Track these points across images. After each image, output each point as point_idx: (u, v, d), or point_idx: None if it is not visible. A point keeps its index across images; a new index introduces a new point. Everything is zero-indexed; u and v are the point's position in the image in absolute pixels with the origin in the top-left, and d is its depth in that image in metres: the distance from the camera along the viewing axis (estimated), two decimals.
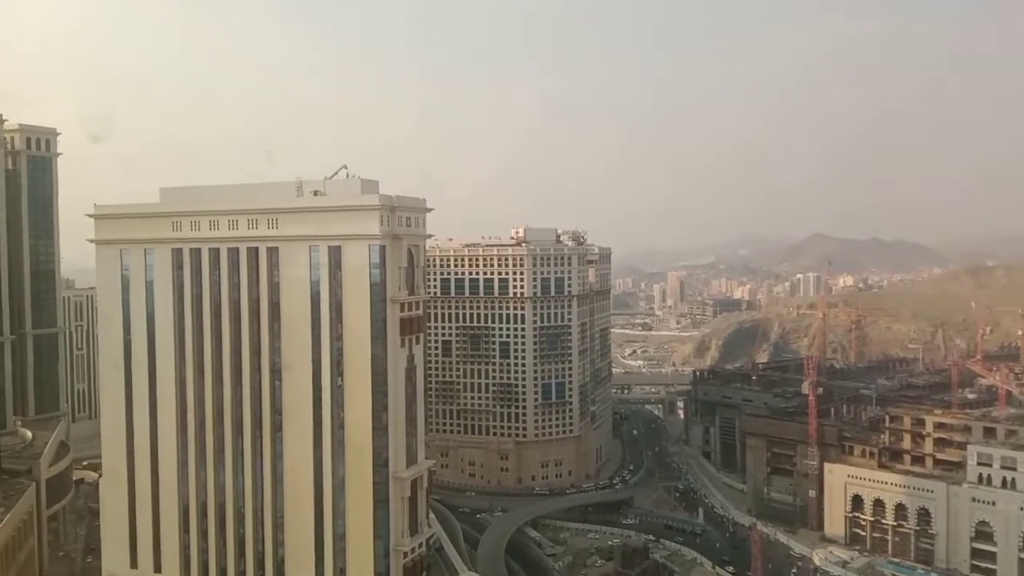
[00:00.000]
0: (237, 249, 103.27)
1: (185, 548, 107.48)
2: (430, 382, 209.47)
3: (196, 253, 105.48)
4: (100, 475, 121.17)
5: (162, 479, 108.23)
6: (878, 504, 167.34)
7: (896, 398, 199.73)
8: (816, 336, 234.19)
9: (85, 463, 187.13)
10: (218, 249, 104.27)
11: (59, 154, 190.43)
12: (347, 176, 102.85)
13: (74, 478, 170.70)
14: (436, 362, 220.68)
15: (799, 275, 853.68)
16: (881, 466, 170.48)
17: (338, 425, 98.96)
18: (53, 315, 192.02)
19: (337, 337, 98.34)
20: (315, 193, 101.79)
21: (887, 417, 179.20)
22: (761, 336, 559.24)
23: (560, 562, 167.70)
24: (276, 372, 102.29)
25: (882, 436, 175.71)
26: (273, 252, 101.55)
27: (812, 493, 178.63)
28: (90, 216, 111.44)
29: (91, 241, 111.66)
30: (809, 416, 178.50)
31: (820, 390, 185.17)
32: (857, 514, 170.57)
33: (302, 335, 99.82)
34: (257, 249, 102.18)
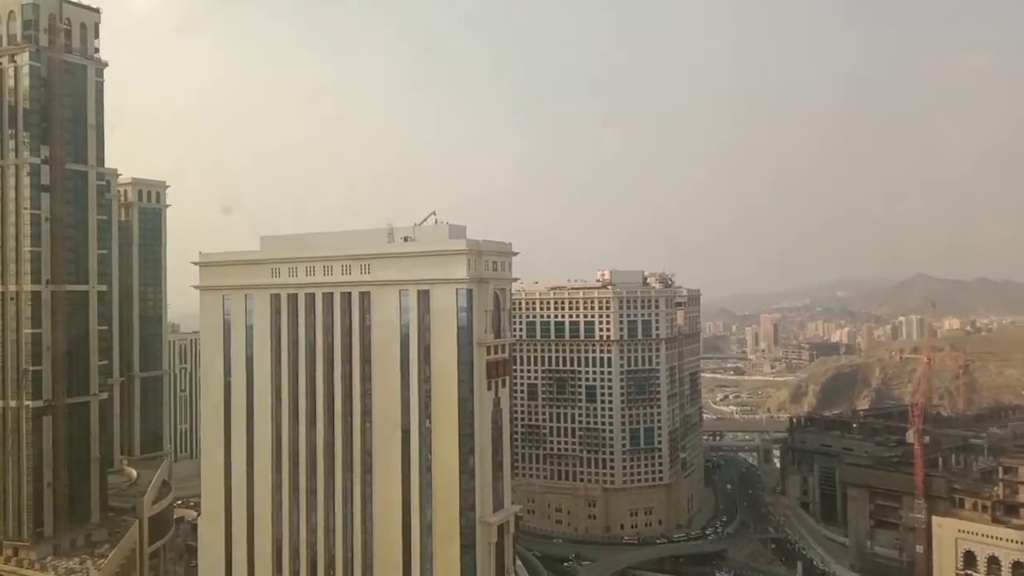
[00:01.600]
0: (332, 294, 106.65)
1: None
2: (516, 426, 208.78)
3: (293, 298, 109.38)
4: (199, 514, 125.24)
5: (257, 519, 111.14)
6: (992, 561, 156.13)
7: (1010, 447, 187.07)
8: (921, 382, 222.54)
9: (184, 502, 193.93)
10: (314, 294, 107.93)
11: (168, 205, 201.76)
12: (436, 222, 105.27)
13: (175, 516, 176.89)
14: (522, 406, 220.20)
15: (901, 318, 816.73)
16: (995, 520, 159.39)
17: (426, 468, 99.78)
18: (159, 358, 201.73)
19: (425, 379, 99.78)
20: (405, 239, 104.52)
21: (1000, 468, 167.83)
22: (861, 382, 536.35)
23: None
24: (367, 414, 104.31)
25: (996, 488, 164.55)
26: (365, 296, 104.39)
27: (920, 548, 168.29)
28: (195, 264, 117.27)
29: (195, 287, 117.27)
30: (915, 466, 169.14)
31: (926, 439, 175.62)
32: (970, 572, 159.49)
33: (391, 377, 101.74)
34: (350, 294, 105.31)
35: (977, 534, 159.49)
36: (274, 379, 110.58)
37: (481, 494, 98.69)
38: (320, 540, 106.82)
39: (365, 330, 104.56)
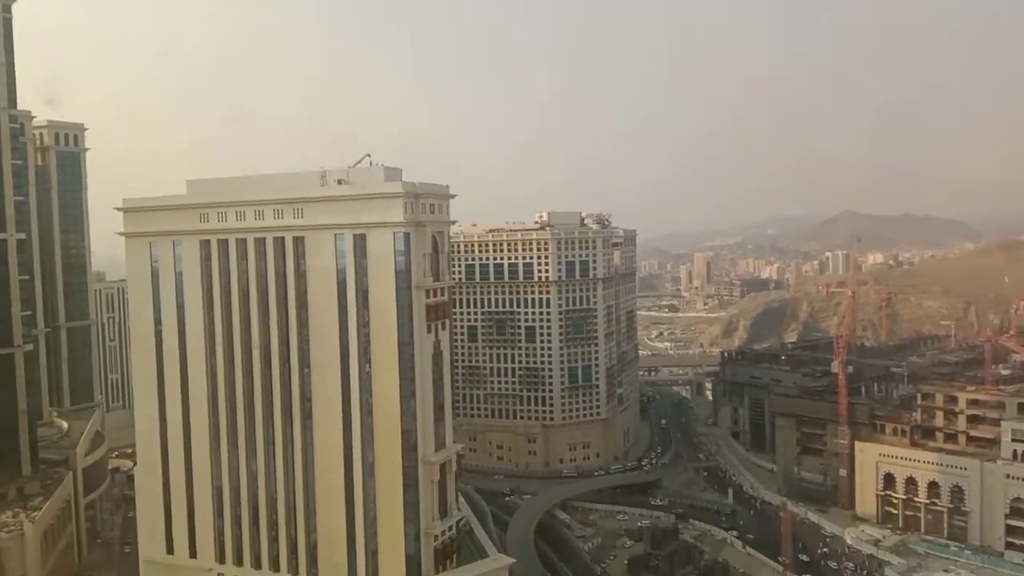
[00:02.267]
0: (264, 239, 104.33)
1: (219, 534, 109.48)
2: (457, 367, 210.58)
3: (223, 244, 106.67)
4: (135, 464, 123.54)
5: (195, 467, 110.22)
6: (910, 482, 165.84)
7: (928, 375, 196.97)
8: (846, 314, 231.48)
9: (120, 452, 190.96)
10: (245, 240, 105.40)
11: (87, 149, 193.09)
12: (370, 165, 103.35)
13: (110, 467, 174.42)
14: (462, 348, 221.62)
15: (828, 253, 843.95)
16: (913, 444, 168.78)
17: (367, 411, 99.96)
18: (85, 308, 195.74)
19: (364, 324, 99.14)
20: (339, 182, 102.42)
21: (919, 395, 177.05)
22: (790, 316, 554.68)
23: (589, 544, 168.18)
24: (305, 360, 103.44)
25: (914, 414, 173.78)
26: (299, 241, 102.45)
27: (843, 472, 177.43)
28: (119, 209, 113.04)
29: (120, 234, 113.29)
30: (839, 395, 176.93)
31: (850, 369, 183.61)
32: (889, 492, 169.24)
33: (329, 323, 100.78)
34: (283, 239, 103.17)
35: (896, 457, 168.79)
36: (207, 327, 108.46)
37: (423, 435, 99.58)
38: (261, 485, 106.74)
39: (300, 276, 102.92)
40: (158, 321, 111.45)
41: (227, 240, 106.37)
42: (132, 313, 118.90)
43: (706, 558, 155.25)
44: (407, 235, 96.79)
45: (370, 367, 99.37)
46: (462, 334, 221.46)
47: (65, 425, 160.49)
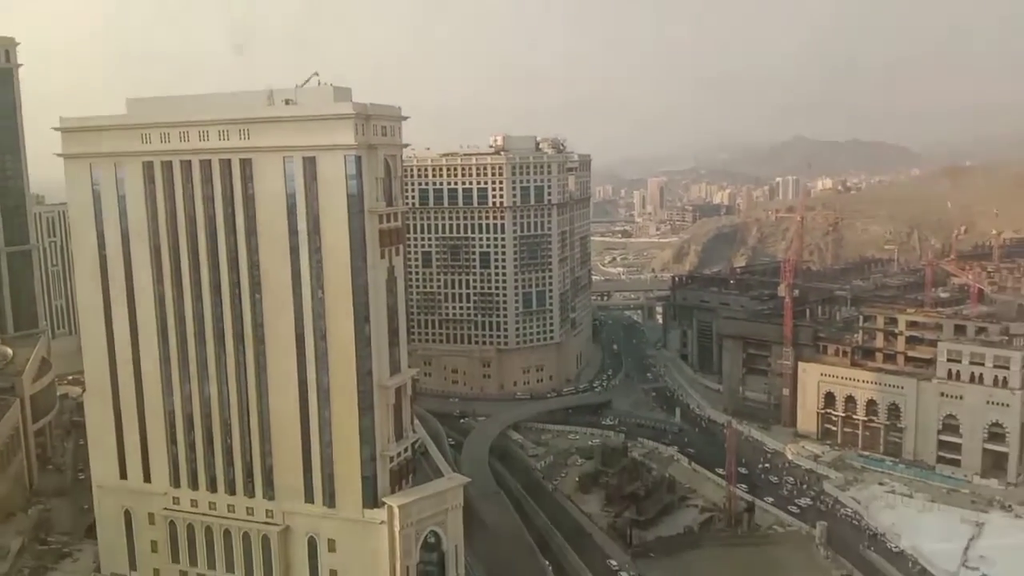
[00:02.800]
0: (209, 161, 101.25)
1: (174, 459, 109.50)
2: (411, 293, 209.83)
3: (167, 166, 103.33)
4: (84, 390, 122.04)
5: (146, 392, 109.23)
6: (849, 400, 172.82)
7: (870, 298, 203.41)
8: (793, 239, 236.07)
9: (68, 379, 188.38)
10: (189, 162, 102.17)
11: (20, 65, 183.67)
12: (319, 84, 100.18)
13: (58, 393, 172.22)
14: (417, 274, 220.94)
15: (778, 178, 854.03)
16: (854, 364, 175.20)
17: (320, 337, 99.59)
18: (25, 231, 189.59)
19: (316, 250, 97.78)
20: (287, 102, 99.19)
21: (861, 317, 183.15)
22: (739, 241, 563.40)
23: (542, 462, 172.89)
24: (256, 286, 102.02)
25: (855, 335, 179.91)
26: (246, 164, 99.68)
27: (786, 391, 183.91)
28: (56, 130, 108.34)
29: (59, 156, 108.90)
30: (784, 317, 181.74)
31: (796, 292, 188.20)
32: (829, 410, 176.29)
33: (280, 249, 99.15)
34: (230, 161, 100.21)
35: (837, 377, 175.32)
36: (153, 252, 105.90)
37: (377, 360, 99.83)
38: (215, 410, 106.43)
39: (249, 200, 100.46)
40: (102, 246, 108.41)
41: (171, 162, 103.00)
42: (74, 238, 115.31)
43: (654, 474, 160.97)
44: (358, 158, 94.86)
45: (323, 293, 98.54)
46: (416, 260, 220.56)
47: (10, 352, 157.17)
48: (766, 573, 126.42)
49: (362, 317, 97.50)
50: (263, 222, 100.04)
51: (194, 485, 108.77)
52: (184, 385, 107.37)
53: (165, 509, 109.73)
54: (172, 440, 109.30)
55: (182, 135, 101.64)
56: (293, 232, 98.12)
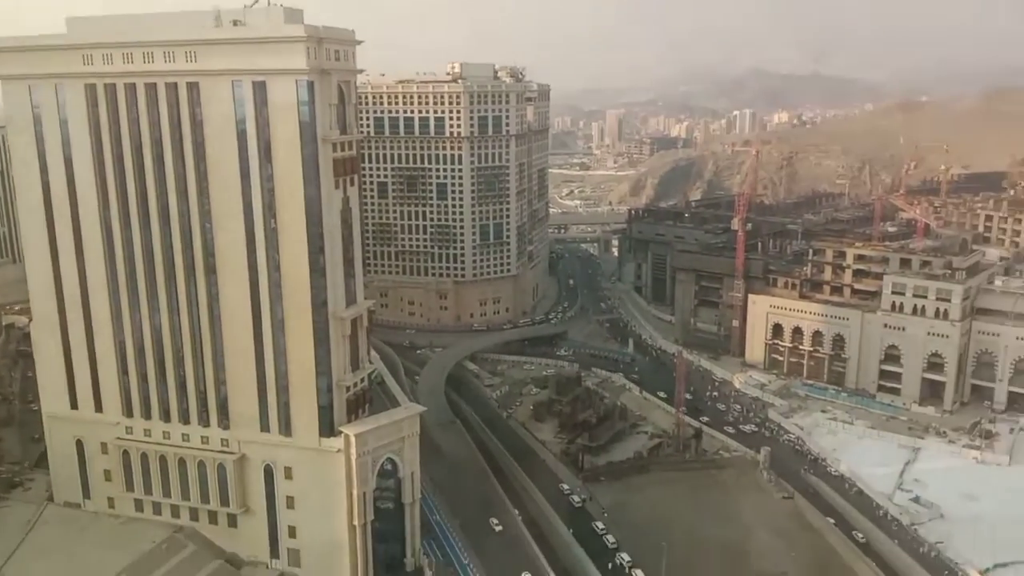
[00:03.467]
0: (155, 85, 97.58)
1: (126, 390, 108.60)
2: (367, 224, 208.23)
3: (111, 89, 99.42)
4: (30, 320, 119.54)
5: (95, 322, 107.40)
6: (796, 332, 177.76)
7: (820, 232, 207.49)
8: (748, 173, 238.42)
9: (12, 308, 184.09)
10: (134, 84, 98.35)
11: None
12: (269, 5, 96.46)
13: (4, 323, 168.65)
14: (372, 204, 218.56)
15: (736, 112, 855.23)
16: (802, 296, 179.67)
17: (274, 268, 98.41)
18: None
19: (268, 179, 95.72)
20: (235, 23, 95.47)
21: (810, 250, 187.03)
22: (695, 174, 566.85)
23: (497, 392, 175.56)
24: (206, 215, 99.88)
25: (805, 268, 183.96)
26: (193, 88, 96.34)
27: (736, 323, 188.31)
28: None
29: None
30: (737, 251, 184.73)
31: (749, 226, 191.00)
32: (776, 341, 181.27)
33: (230, 177, 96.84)
34: (176, 85, 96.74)
35: (786, 309, 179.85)
36: (99, 179, 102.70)
37: (332, 291, 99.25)
38: (167, 340, 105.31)
39: (197, 126, 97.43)
40: (44, 171, 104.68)
41: (115, 85, 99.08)
42: (15, 163, 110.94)
43: (606, 402, 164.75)
44: (311, 84, 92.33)
45: (275, 223, 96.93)
46: (372, 190, 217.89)
47: None
48: (711, 496, 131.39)
49: (316, 248, 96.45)
50: (212, 149, 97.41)
51: (147, 415, 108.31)
52: (134, 315, 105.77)
53: (118, 439, 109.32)
54: (123, 371, 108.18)
55: (125, 56, 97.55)
56: (244, 160, 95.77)
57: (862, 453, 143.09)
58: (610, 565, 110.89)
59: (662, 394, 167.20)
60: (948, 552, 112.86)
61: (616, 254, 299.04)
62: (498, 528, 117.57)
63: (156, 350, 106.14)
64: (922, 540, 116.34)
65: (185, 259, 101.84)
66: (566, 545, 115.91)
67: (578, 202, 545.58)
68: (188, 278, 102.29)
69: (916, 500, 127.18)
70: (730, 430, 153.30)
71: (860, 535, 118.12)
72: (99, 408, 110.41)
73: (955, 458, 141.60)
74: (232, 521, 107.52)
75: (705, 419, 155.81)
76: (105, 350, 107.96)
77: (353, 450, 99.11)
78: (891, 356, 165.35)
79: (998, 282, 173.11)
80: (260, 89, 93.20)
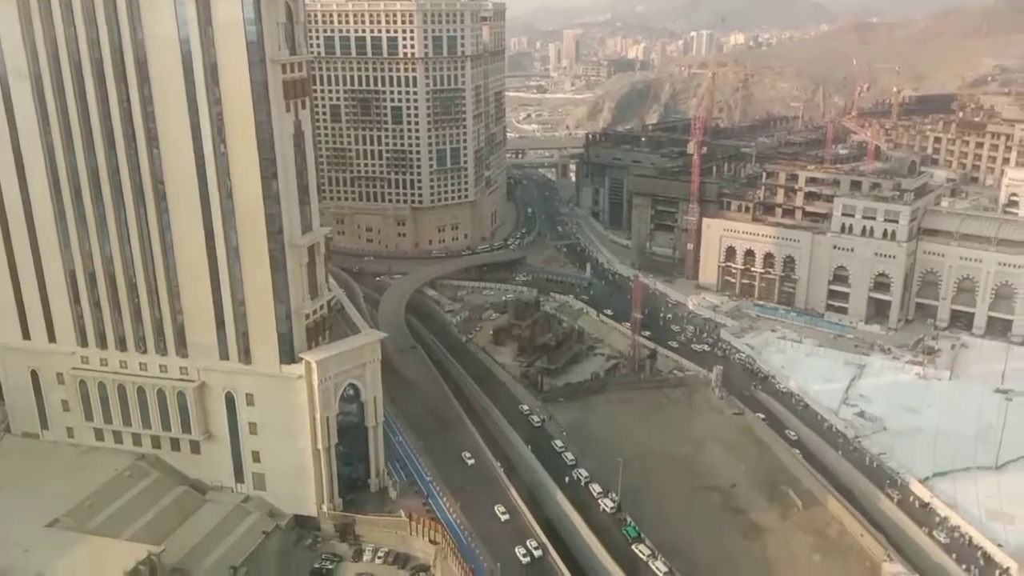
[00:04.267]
0: (91, 1, 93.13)
1: (79, 318, 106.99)
2: (320, 149, 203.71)
3: (45, 5, 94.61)
4: None
5: (43, 251, 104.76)
6: (749, 254, 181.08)
7: (774, 155, 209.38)
8: (704, 96, 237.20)
9: None
10: (70, 1, 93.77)
11: None
12: None
13: None
14: (325, 128, 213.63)
15: (693, 33, 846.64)
16: (755, 219, 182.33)
17: (226, 195, 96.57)
18: None
19: (216, 102, 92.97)
20: None
21: (764, 173, 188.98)
22: (652, 97, 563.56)
23: (457, 317, 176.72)
24: (152, 139, 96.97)
25: (757, 192, 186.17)
26: (132, 5, 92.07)
27: (690, 246, 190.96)
28: None
29: None
30: (692, 175, 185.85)
31: (704, 150, 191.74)
32: (729, 264, 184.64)
33: (176, 100, 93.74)
34: (115, 1, 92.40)
35: (739, 232, 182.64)
36: (38, 101, 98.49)
37: (288, 218, 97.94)
38: (119, 268, 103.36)
39: (138, 45, 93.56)
40: None
41: (49, 0, 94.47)
42: None
43: (564, 326, 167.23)
44: (256, 1, 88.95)
45: (225, 148, 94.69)
46: (324, 114, 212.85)
47: None
48: (665, 413, 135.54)
49: (269, 174, 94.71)
50: (156, 70, 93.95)
51: (102, 344, 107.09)
52: (83, 243, 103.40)
53: (74, 369, 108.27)
54: (75, 299, 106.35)
55: None
56: (189, 82, 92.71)
57: (810, 370, 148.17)
58: (567, 479, 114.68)
59: (608, 311, 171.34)
60: (890, 463, 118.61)
61: (574, 179, 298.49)
62: (467, 457, 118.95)
63: (108, 279, 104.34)
64: (866, 452, 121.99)
65: (133, 185, 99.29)
66: (525, 462, 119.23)
67: (536, 126, 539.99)
68: (137, 205, 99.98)
69: (861, 414, 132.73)
70: (684, 350, 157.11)
71: (797, 438, 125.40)
72: (52, 338, 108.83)
73: (898, 374, 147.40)
74: (195, 448, 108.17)
75: (660, 340, 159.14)
76: (55, 279, 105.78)
77: (315, 376, 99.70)
78: (840, 277, 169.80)
79: (944, 203, 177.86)
80: (203, 6, 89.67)
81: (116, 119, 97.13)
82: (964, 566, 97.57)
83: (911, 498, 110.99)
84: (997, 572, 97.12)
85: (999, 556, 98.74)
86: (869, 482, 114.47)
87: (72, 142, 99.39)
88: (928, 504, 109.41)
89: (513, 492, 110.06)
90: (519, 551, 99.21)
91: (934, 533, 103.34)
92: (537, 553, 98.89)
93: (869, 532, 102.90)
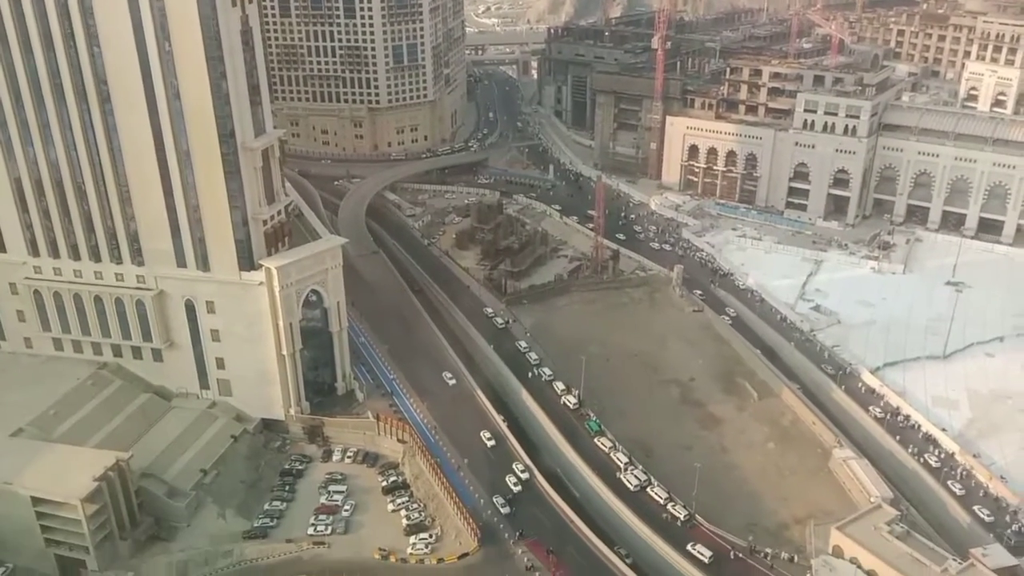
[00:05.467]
0: None
1: (28, 227, 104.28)
2: (271, 47, 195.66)
3: None
4: None
5: None
6: (711, 152, 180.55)
7: (738, 50, 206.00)
8: None
9: None
10: None
11: None
12: None
13: None
14: (274, 24, 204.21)
15: None
16: (718, 117, 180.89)
17: (173, 95, 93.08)
18: None
19: None
20: None
21: (727, 69, 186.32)
22: None
23: (419, 222, 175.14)
24: (92, 36, 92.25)
25: (721, 88, 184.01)
26: None
27: (653, 145, 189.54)
28: None
29: None
30: (656, 71, 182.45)
31: (669, 45, 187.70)
32: (692, 163, 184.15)
33: None
34: None
35: (701, 129, 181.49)
36: None
37: (239, 120, 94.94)
38: (66, 175, 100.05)
39: None
40: None
41: None
42: None
43: (527, 228, 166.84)
44: None
45: (170, 45, 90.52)
46: (272, 8, 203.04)
47: None
48: (627, 312, 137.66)
49: (218, 73, 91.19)
50: None
51: (54, 253, 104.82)
52: (27, 148, 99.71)
53: (27, 279, 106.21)
54: (23, 208, 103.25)
55: None
56: None
57: (768, 267, 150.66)
58: (529, 375, 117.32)
59: (588, 224, 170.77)
60: (843, 354, 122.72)
61: (536, 77, 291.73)
62: (432, 360, 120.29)
63: (55, 185, 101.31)
64: (820, 344, 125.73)
65: (75, 86, 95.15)
66: (489, 361, 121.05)
67: (495, 20, 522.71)
68: (80, 107, 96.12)
69: (816, 308, 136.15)
70: (646, 250, 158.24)
71: (753, 333, 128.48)
72: (2, 248, 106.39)
73: (854, 268, 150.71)
74: (157, 356, 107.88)
75: (622, 241, 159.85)
76: (1, 187, 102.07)
77: (276, 283, 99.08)
78: (800, 174, 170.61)
79: (905, 98, 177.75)
80: None
81: (53, 17, 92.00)
82: (910, 449, 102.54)
83: (862, 387, 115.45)
84: (940, 453, 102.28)
85: (944, 440, 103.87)
86: (822, 373, 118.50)
87: (6, 39, 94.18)
88: (877, 392, 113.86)
89: (479, 393, 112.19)
90: (483, 434, 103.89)
91: (881, 418, 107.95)
92: (491, 444, 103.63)
93: (821, 420, 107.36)
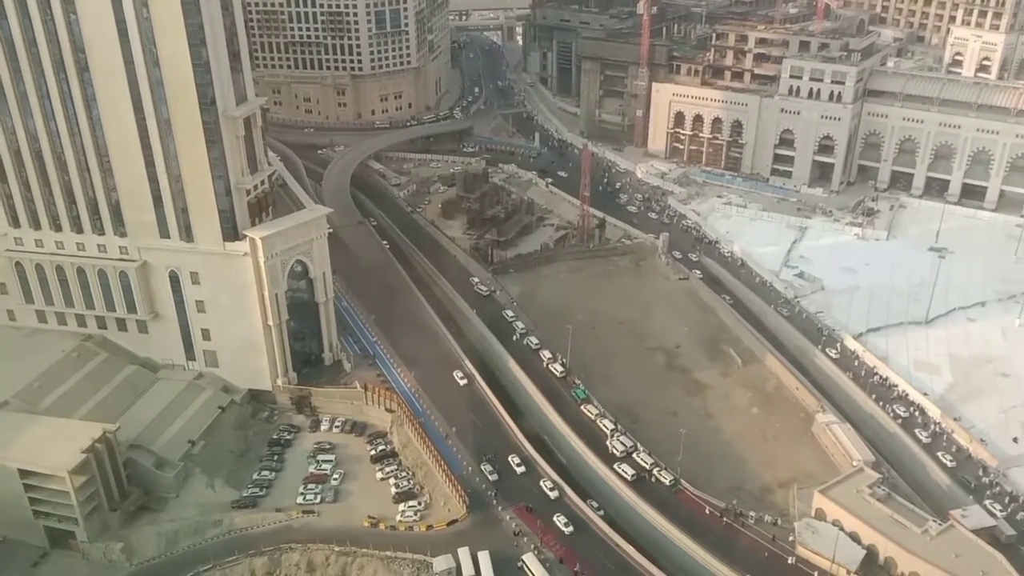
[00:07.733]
0: None
1: (8, 198, 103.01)
2: (250, 13, 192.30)
3: None
4: None
5: None
6: (697, 119, 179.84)
7: (724, 15, 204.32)
8: None
9: None
10: None
11: None
12: None
13: None
14: None
15: None
16: (704, 83, 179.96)
17: (152, 63, 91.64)
18: None
19: None
20: None
21: (714, 34, 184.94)
22: None
23: (405, 191, 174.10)
24: (69, 4, 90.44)
25: (707, 54, 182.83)
26: None
27: (639, 113, 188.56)
28: None
29: None
30: (642, 37, 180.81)
31: (655, 10, 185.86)
32: (678, 130, 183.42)
33: None
34: None
35: (688, 96, 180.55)
36: None
37: (220, 88, 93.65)
38: (45, 146, 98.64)
39: None
40: None
41: None
42: None
43: (513, 197, 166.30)
44: None
45: (148, 12, 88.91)
46: None
47: None
48: (613, 281, 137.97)
49: (197, 40, 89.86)
50: None
51: (35, 224, 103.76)
52: (5, 119, 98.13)
53: (8, 251, 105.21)
54: (2, 179, 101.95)
55: None
56: None
57: (753, 234, 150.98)
58: (513, 338, 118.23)
59: (574, 192, 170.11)
60: (827, 320, 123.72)
61: (521, 43, 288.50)
62: (420, 329, 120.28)
63: (34, 156, 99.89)
64: (804, 311, 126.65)
65: (52, 55, 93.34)
66: (477, 332, 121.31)
67: None
68: (59, 76, 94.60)
69: (800, 275, 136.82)
70: (632, 218, 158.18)
71: (736, 300, 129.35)
72: None
73: (839, 235, 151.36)
74: (143, 327, 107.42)
75: (608, 209, 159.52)
76: None
77: (260, 253, 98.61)
78: (785, 140, 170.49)
79: (890, 63, 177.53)
80: None
81: None
82: (891, 413, 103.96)
83: (844, 352, 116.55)
84: (921, 416, 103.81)
85: (925, 404, 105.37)
86: (805, 339, 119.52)
87: None
88: (860, 358, 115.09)
89: (467, 362, 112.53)
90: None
91: (863, 383, 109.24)
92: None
93: (804, 385, 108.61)
